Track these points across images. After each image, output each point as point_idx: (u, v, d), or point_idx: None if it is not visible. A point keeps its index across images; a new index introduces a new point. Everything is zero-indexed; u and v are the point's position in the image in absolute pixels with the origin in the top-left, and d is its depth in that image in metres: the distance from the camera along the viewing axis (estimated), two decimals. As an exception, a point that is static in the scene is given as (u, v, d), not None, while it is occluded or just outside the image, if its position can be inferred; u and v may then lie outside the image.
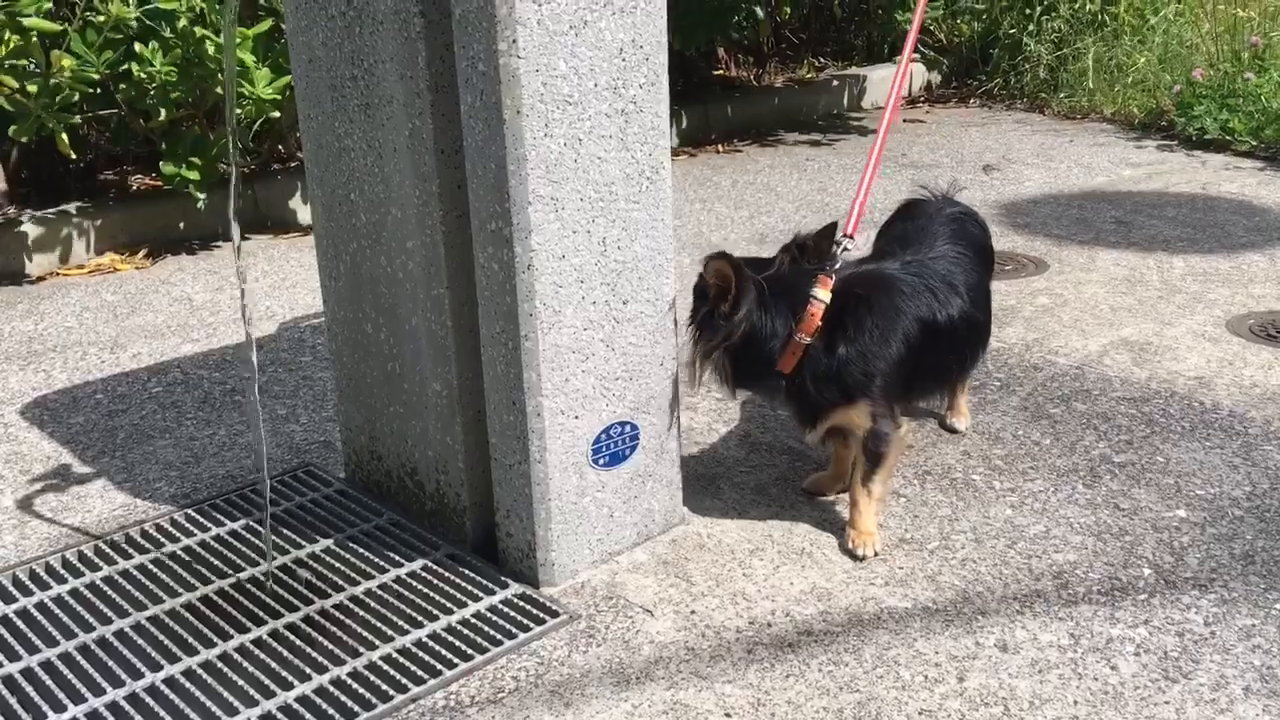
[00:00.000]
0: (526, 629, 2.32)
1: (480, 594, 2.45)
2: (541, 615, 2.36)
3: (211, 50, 4.32)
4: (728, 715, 2.07)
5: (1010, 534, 2.64)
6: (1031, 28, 8.29)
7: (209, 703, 2.13)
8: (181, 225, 5.13)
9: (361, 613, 2.40)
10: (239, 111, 4.61)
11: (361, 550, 2.63)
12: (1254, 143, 6.33)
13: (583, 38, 2.21)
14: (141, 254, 4.96)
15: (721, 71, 8.74)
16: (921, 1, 3.43)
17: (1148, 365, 3.56)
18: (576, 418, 2.42)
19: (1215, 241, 4.82)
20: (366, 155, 2.53)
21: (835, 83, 8.48)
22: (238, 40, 4.38)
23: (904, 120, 7.92)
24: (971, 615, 2.35)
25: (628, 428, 2.52)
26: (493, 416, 2.45)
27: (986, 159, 6.60)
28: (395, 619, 2.37)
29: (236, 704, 2.13)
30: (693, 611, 2.38)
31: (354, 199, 2.61)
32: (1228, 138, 6.46)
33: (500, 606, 2.40)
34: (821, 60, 9.23)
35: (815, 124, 7.93)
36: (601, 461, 2.49)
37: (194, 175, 4.63)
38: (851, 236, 2.66)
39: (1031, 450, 3.04)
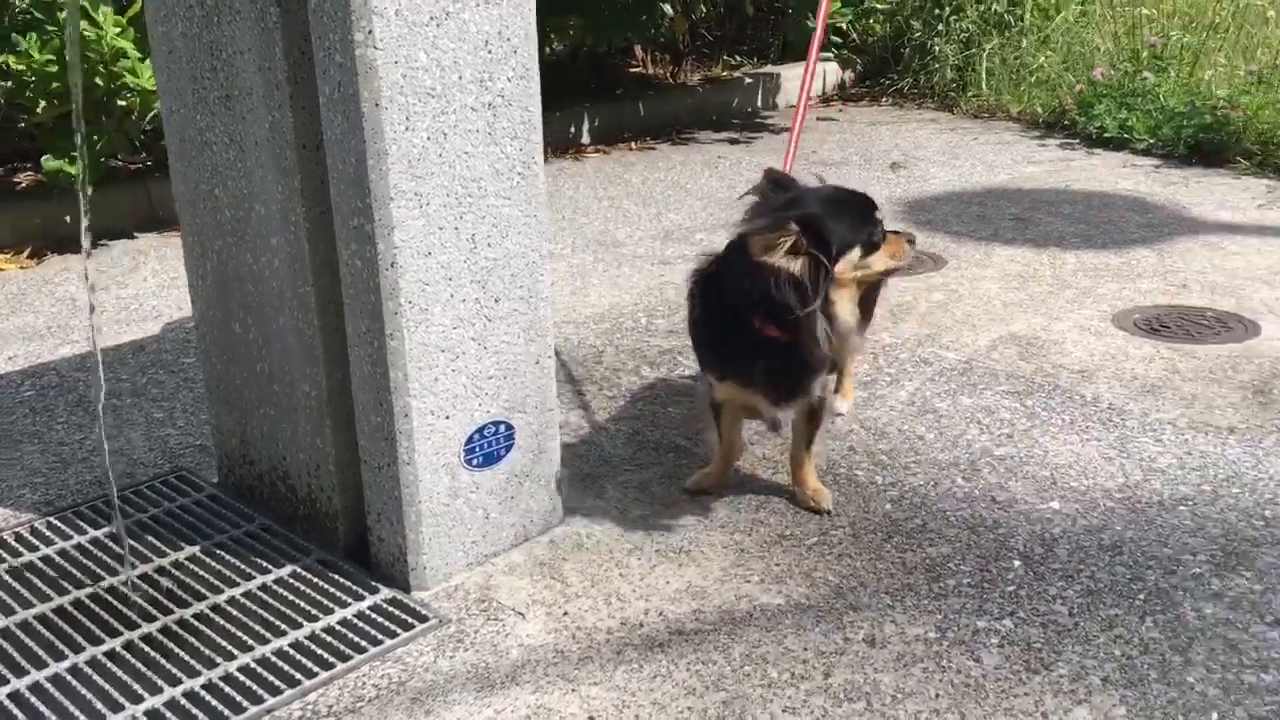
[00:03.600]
0: (393, 635, 2.28)
1: (349, 600, 2.39)
2: (410, 620, 2.32)
3: (93, 38, 4.19)
4: (591, 718, 2.04)
5: (888, 528, 2.65)
6: (941, 28, 8.39)
7: (53, 717, 2.05)
8: (69, 221, 4.98)
9: (223, 621, 2.33)
10: (122, 103, 4.48)
11: (229, 557, 2.56)
12: (1151, 141, 6.46)
13: (445, 29, 2.17)
14: (26, 253, 4.81)
15: (639, 69, 8.73)
16: (824, 5, 3.44)
17: (1034, 359, 3.60)
18: (447, 418, 2.37)
19: (1108, 237, 4.90)
20: (229, 149, 2.46)
21: (750, 81, 8.51)
22: (117, 29, 4.26)
23: (817, 119, 7.97)
24: (843, 610, 2.35)
25: (502, 427, 2.48)
26: (361, 418, 2.39)
27: (894, 157, 6.66)
28: (257, 627, 2.31)
29: (80, 718, 2.05)
30: (565, 613, 2.35)
31: (218, 194, 2.54)
32: (1126, 136, 6.58)
33: (368, 612, 2.35)
34: (737, 59, 9.26)
35: (730, 122, 7.94)
36: (475, 462, 2.45)
37: (75, 170, 4.49)
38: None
39: (915, 445, 3.06)
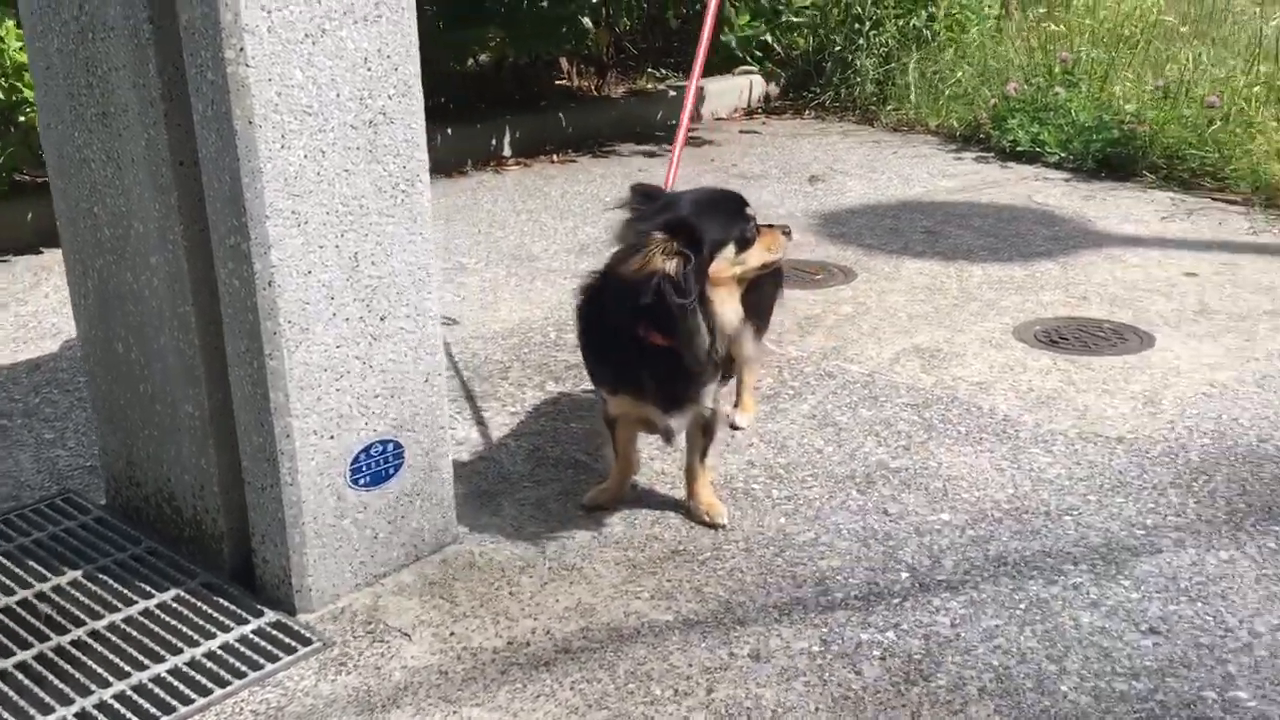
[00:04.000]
0: (275, 659, 2.25)
1: (232, 624, 2.36)
2: (293, 644, 2.29)
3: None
4: (470, 739, 2.03)
5: (780, 542, 2.67)
6: (861, 42, 8.50)
7: (-84, 752, 2.00)
8: (-32, 238, 4.87)
9: (101, 648, 2.29)
10: (23, 118, 4.39)
11: (112, 581, 2.51)
12: (1062, 154, 6.58)
13: (321, 47, 2.15)
14: (-77, 270, 4.68)
15: (564, 81, 8.73)
16: (709, 18, 3.47)
17: (935, 371, 3.66)
18: (332, 437, 2.35)
19: (1014, 250, 4.99)
20: (106, 166, 2.42)
21: (673, 94, 8.55)
22: (19, 43, 4.17)
23: (740, 131, 8.04)
24: (731, 625, 2.36)
25: (390, 446, 2.47)
26: (243, 438, 2.36)
27: (813, 170, 6.72)
28: (136, 654, 2.26)
29: (-54, 752, 2.00)
30: (452, 633, 2.33)
31: (97, 212, 2.50)
32: (1038, 150, 6.70)
33: (251, 636, 2.32)
34: (662, 71, 9.30)
35: (652, 134, 7.97)
36: (362, 482, 2.43)
37: (-26, 186, 4.39)
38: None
39: (813, 458, 3.08)
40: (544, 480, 2.98)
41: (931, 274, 4.67)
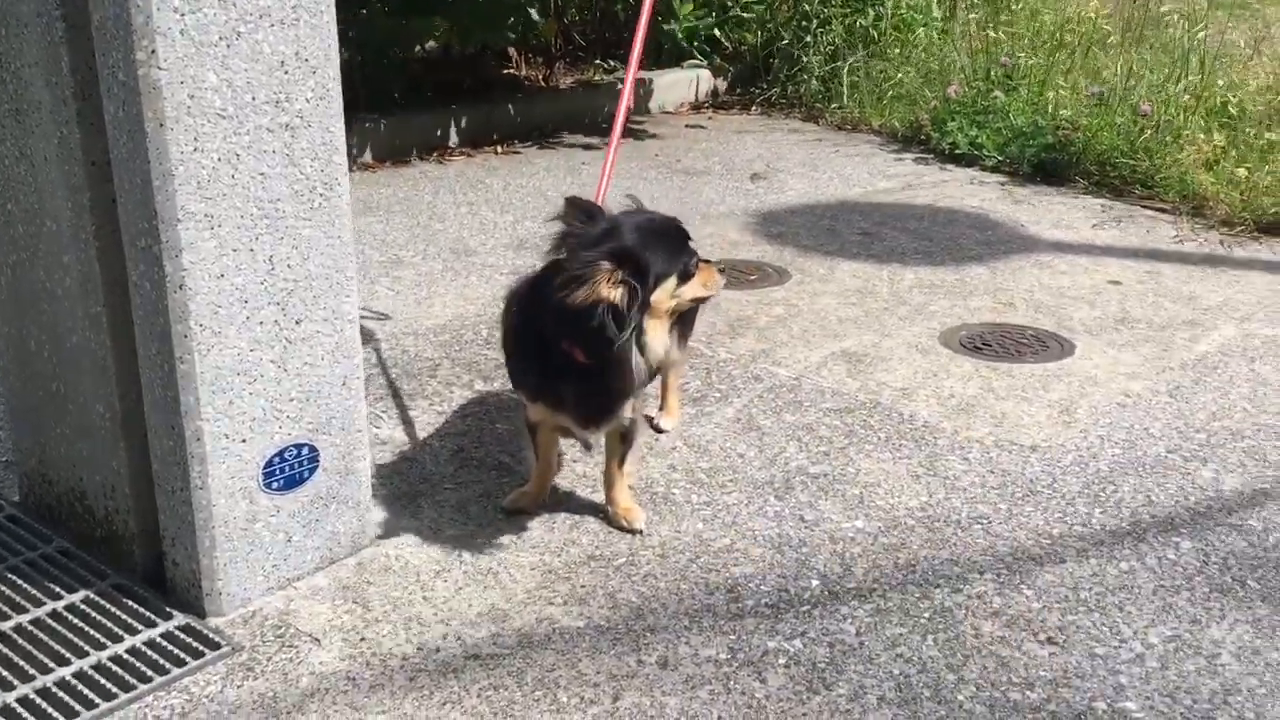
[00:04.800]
0: (182, 664, 2.24)
1: (140, 627, 2.35)
2: (201, 649, 2.29)
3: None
4: (373, 747, 2.04)
5: (696, 548, 2.70)
6: (809, 39, 8.55)
7: None
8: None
9: (6, 650, 2.27)
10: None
11: (20, 581, 2.49)
12: (999, 158, 6.67)
13: (236, 50, 2.14)
14: None
15: (512, 71, 8.70)
16: (645, 8, 3.47)
17: (861, 376, 3.71)
18: (244, 441, 2.35)
19: (947, 254, 5.06)
20: (19, 163, 2.39)
21: (619, 87, 8.55)
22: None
23: (686, 126, 8.06)
24: (641, 632, 2.39)
25: (305, 450, 2.46)
26: (154, 441, 2.35)
27: (756, 168, 6.76)
28: (42, 657, 2.25)
29: None
30: (362, 639, 2.34)
31: (10, 209, 2.47)
32: (977, 153, 6.79)
33: (159, 640, 2.31)
34: (611, 63, 9.29)
35: (599, 126, 7.97)
36: (275, 485, 2.42)
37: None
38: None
39: (735, 463, 3.12)
40: (466, 482, 2.99)
41: (865, 276, 4.73)
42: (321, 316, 2.42)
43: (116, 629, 2.34)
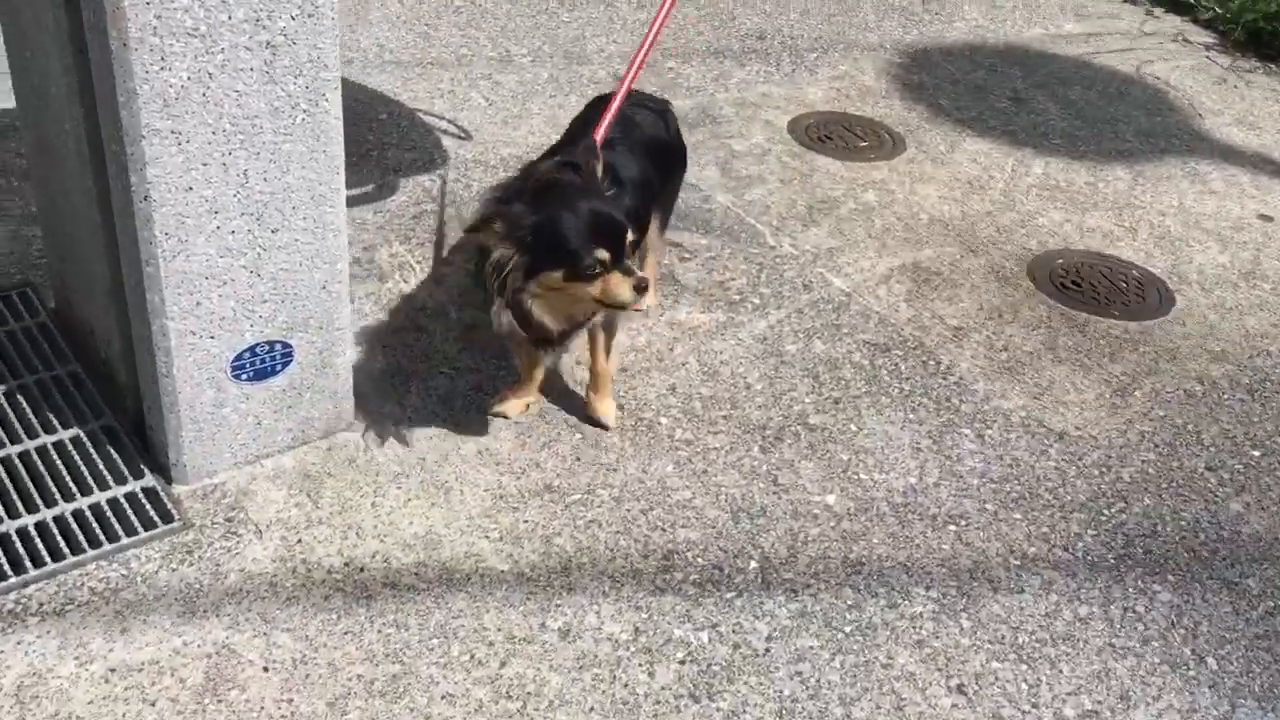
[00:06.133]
0: (134, 533, 2.43)
1: (111, 482, 2.54)
2: (155, 519, 2.46)
3: None
4: (265, 670, 2.21)
5: (654, 497, 2.71)
6: None
7: None
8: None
9: (-10, 484, 2.50)
10: None
11: (25, 404, 2.70)
12: (1218, 11, 5.87)
13: (210, -35, 2.04)
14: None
15: None
16: None
17: (919, 303, 3.50)
18: (212, 338, 2.42)
19: (1094, 143, 4.59)
20: (36, 27, 2.39)
21: None
22: None
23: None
24: (559, 590, 2.45)
25: (279, 346, 2.53)
26: (134, 321, 2.44)
27: (937, -21, 6.14)
28: (16, 499, 2.47)
29: None
30: (299, 540, 2.48)
31: (28, 58, 2.50)
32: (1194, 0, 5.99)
33: (122, 501, 2.50)
34: None
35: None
36: (245, 377, 2.51)
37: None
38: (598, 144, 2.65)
39: (737, 396, 3.05)
40: (465, 367, 3.03)
41: (986, 162, 4.36)
42: (301, 226, 2.41)
43: (90, 480, 2.54)
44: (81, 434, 2.65)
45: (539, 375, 2.86)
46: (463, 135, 4.04)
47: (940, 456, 2.92)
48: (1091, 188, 4.26)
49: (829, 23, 5.43)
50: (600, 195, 2.50)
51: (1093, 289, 3.67)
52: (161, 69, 2.07)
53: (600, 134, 2.68)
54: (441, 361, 3.03)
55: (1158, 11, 6.08)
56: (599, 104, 3.00)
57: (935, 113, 4.70)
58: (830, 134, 4.40)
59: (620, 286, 2.40)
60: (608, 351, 2.81)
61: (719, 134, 4.30)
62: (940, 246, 3.79)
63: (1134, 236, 3.98)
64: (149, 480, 2.56)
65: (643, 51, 2.91)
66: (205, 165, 2.21)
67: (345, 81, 4.33)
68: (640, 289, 2.41)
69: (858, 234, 3.81)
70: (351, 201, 3.57)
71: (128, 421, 2.69)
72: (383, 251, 3.39)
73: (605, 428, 2.85)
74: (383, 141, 3.96)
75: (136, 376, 2.61)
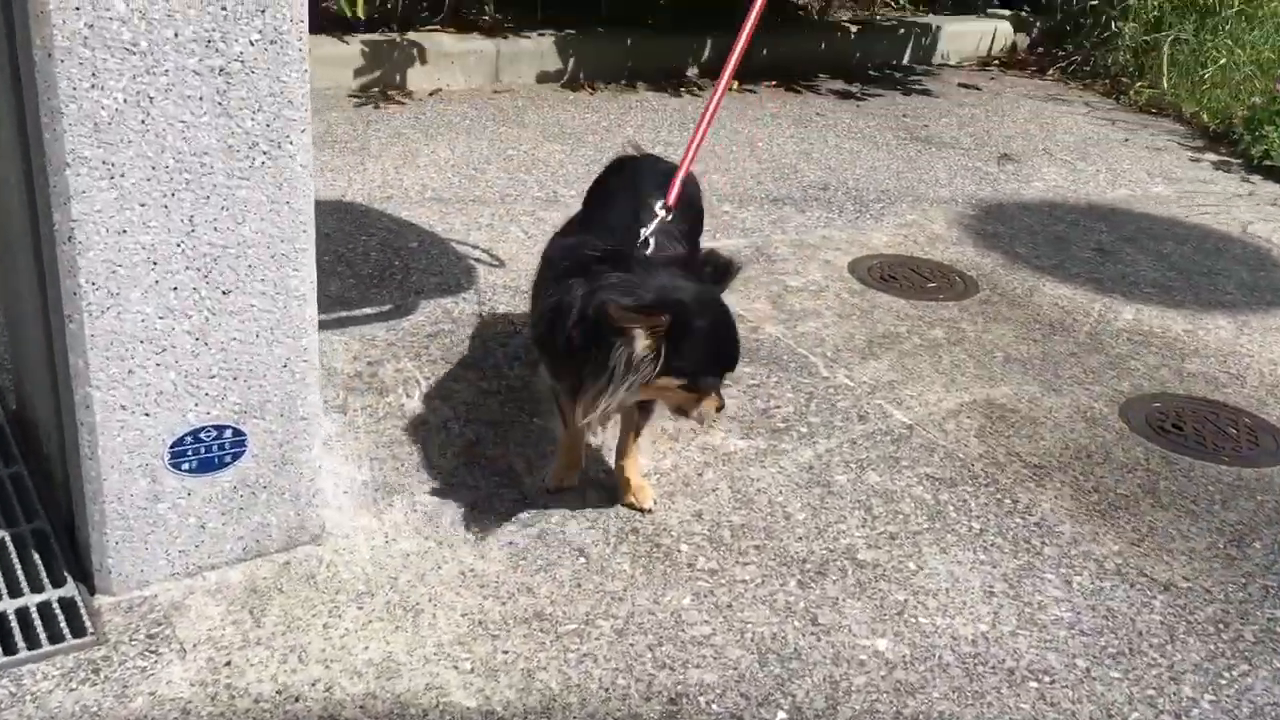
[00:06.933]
0: (37, 645, 2.04)
1: (27, 590, 2.17)
2: (65, 633, 2.08)
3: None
4: (148, 811, 1.76)
5: (665, 631, 2.24)
6: (1131, 1, 7.39)
7: None
8: None
9: (-116, 585, 2.15)
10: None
11: (-46, 506, 2.37)
12: (1319, 178, 5.51)
13: (156, -26, 1.81)
14: None
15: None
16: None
17: (992, 439, 3.05)
18: (147, 415, 2.09)
19: (1192, 294, 4.17)
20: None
21: (902, 31, 7.75)
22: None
23: (959, 84, 7.22)
24: (534, 734, 1.97)
25: (228, 432, 2.18)
26: (60, 394, 2.13)
27: (1012, 146, 5.92)
28: (-88, 601, 2.11)
29: None
30: (229, 662, 2.06)
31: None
32: (1292, 168, 5.65)
33: (33, 611, 2.12)
34: (900, 2, 8.46)
35: (863, 72, 7.26)
36: (186, 467, 2.16)
37: None
38: (670, 209, 2.56)
39: (774, 525, 2.60)
40: (459, 484, 2.64)
41: (1069, 306, 3.95)
42: (259, 289, 2.11)
43: (6, 586, 2.17)
44: (7, 537, 2.30)
45: (579, 442, 2.60)
46: (495, 263, 3.79)
47: (1018, 603, 2.41)
48: (1191, 334, 3.82)
49: (897, 179, 5.18)
50: (721, 305, 2.33)
51: (1197, 434, 3.18)
52: (92, 87, 1.83)
53: (673, 199, 2.56)
54: (434, 476, 2.65)
55: (1254, 179, 5.74)
56: (620, 168, 2.80)
57: (1011, 259, 4.34)
58: (895, 274, 4.06)
59: (710, 404, 2.27)
60: (637, 433, 2.58)
61: (773, 270, 3.99)
62: (1018, 385, 3.36)
63: (1242, 384, 3.50)
64: (69, 589, 2.18)
65: (704, 124, 2.66)
66: (143, 206, 1.94)
67: (379, 214, 4.22)
68: (719, 409, 2.30)
69: (921, 368, 3.40)
70: (364, 319, 3.31)
71: (60, 526, 2.34)
72: (388, 367, 3.08)
73: (646, 512, 2.59)
74: (408, 266, 3.71)
75: (68, 467, 2.28)
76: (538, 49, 6.13)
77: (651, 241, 2.47)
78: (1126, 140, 6.25)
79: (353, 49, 5.60)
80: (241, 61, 1.93)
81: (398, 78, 5.72)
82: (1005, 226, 4.70)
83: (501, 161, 4.85)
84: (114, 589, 2.19)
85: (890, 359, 3.44)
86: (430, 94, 5.76)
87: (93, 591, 2.19)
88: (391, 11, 5.99)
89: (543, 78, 6.17)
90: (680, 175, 2.61)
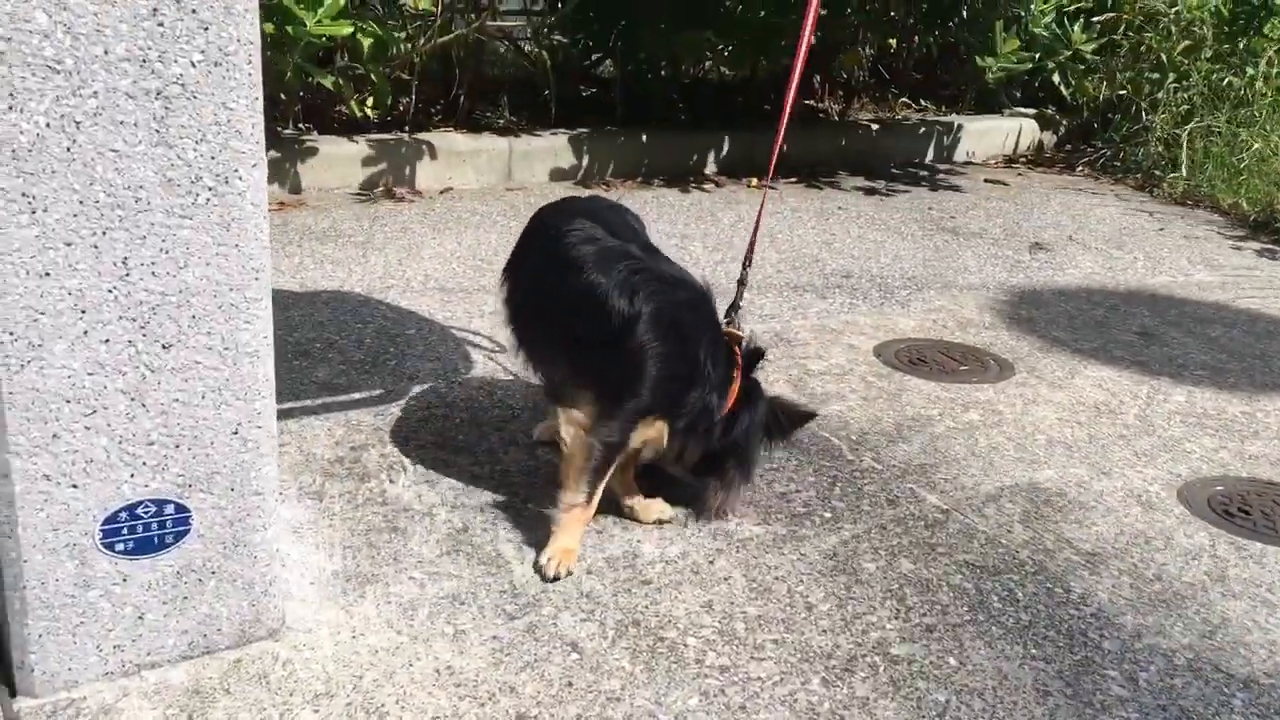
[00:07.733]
0: (-65, 753, 1.76)
1: (-65, 690, 1.90)
2: (-30, 738, 1.80)
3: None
4: None
5: (665, 739, 1.93)
6: (1160, 95, 7.25)
7: None
8: None
9: None
10: None
11: None
12: (1369, 261, 5.24)
13: (84, -13, 1.64)
14: None
15: (813, 101, 8.02)
16: (809, 21, 2.73)
17: (1039, 524, 2.74)
18: (75, 486, 1.84)
19: (1246, 375, 3.88)
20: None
21: (923, 130, 7.64)
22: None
23: (985, 180, 7.06)
24: None
25: (169, 508, 1.93)
26: (-19, 467, 1.89)
27: (1044, 236, 5.71)
28: None
29: None
30: (155, 772, 1.77)
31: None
32: (1339, 252, 5.39)
33: (-63, 713, 1.85)
34: (922, 102, 8.39)
35: (885, 170, 7.13)
36: (121, 548, 1.91)
37: None
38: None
39: (795, 617, 2.30)
40: (441, 572, 2.36)
41: (1114, 389, 3.67)
42: (204, 344, 1.88)
43: (-91, 687, 1.91)
44: (-75, 631, 2.04)
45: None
46: (496, 348, 3.57)
47: (1077, 703, 2.09)
48: (1249, 417, 3.51)
49: (924, 267, 4.96)
50: None
51: (1266, 518, 2.86)
52: (10, 109, 1.64)
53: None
54: (414, 566, 2.38)
55: (1300, 264, 5.47)
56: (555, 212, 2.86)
57: (1049, 343, 4.07)
58: (924, 357, 3.80)
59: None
60: (636, 473, 2.64)
61: (793, 354, 3.74)
62: (1063, 468, 3.06)
63: (1311, 465, 3.19)
64: (-13, 690, 1.91)
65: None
66: (69, 245, 1.73)
67: (378, 303, 4.02)
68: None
69: (956, 451, 3.11)
70: (351, 405, 3.07)
71: (-10, 620, 2.08)
72: (373, 452, 2.83)
73: (666, 522, 2.61)
74: (404, 352, 3.50)
75: None
76: (551, 147, 6.03)
77: None
78: (1162, 230, 6.03)
79: (361, 147, 5.51)
80: (182, 84, 1.75)
81: (407, 174, 5.61)
82: (1040, 311, 4.45)
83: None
84: (37, 690, 1.91)
85: (921, 441, 3.16)
86: (441, 192, 5.64)
87: (13, 693, 1.91)
88: (403, 114, 5.92)
89: (557, 175, 6.05)
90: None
